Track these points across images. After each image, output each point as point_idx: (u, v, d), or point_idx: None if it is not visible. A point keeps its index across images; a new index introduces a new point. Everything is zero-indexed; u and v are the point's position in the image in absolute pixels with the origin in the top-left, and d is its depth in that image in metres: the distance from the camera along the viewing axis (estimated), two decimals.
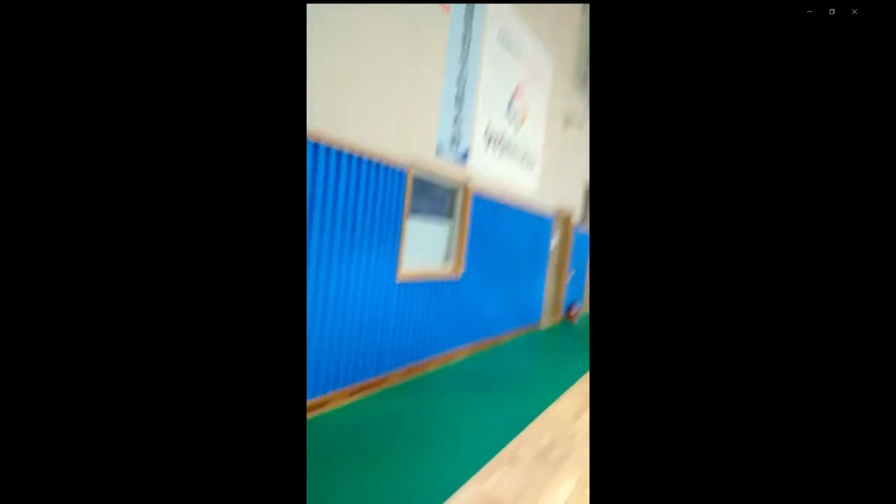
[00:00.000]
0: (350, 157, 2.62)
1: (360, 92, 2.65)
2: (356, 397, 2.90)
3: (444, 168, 3.51)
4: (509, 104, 4.40)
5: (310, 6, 2.31)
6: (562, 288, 6.74)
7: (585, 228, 7.56)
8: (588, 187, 7.31)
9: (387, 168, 2.91)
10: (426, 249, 3.65)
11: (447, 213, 3.85)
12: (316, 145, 2.40)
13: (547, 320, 6.31)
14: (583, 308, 7.95)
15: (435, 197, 3.70)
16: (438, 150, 3.42)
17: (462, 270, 3.93)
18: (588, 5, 6.64)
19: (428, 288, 3.54)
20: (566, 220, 6.49)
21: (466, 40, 3.56)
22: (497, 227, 4.45)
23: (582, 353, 5.06)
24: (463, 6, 3.45)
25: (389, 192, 2.97)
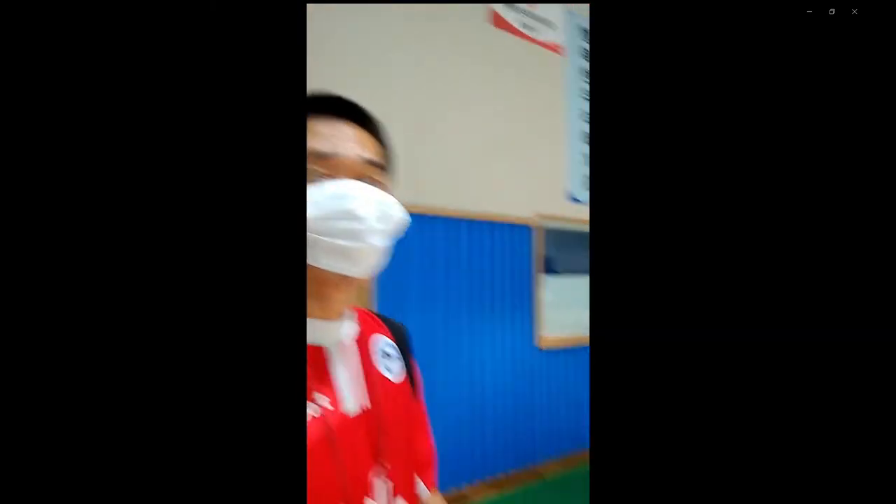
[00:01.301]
0: (469, 223, 2.50)
1: (468, 154, 2.57)
2: (503, 491, 2.50)
3: (580, 215, 3.09)
4: None
5: (408, 91, 2.39)
6: None
7: None
8: None
9: (510, 226, 2.68)
10: (576, 310, 3.17)
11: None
12: (432, 218, 2.36)
13: None
14: None
15: (580, 249, 3.26)
16: (570, 197, 3.04)
17: None
18: None
19: (581, 354, 3.01)
20: None
21: (587, 73, 3.24)
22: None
23: None
24: (577, 41, 3.19)
25: (514, 251, 2.71)
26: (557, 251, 3.10)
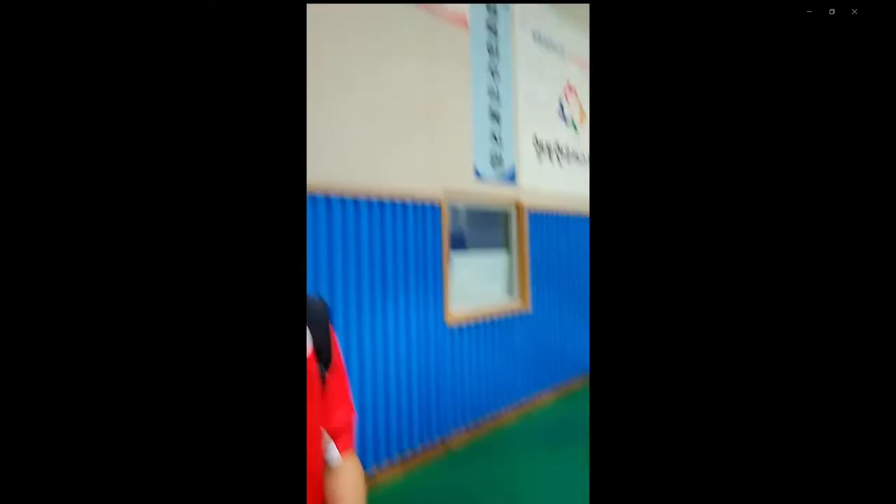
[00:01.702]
0: (368, 203, 2.38)
1: (372, 132, 2.43)
2: (410, 469, 2.55)
3: (487, 193, 3.13)
4: (560, 106, 3.90)
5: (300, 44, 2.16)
6: None
7: None
8: None
9: (414, 206, 2.62)
10: (485, 285, 3.25)
11: (503, 241, 3.43)
12: (327, 199, 2.20)
13: None
14: None
15: (488, 226, 3.31)
16: (478, 175, 3.05)
17: (530, 302, 3.44)
18: None
19: (491, 328, 3.12)
20: None
21: (493, 49, 3.21)
22: (570, 245, 3.89)
23: None
24: (483, 17, 3.13)
25: (422, 230, 2.67)
26: (464, 228, 3.13)
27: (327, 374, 0.66)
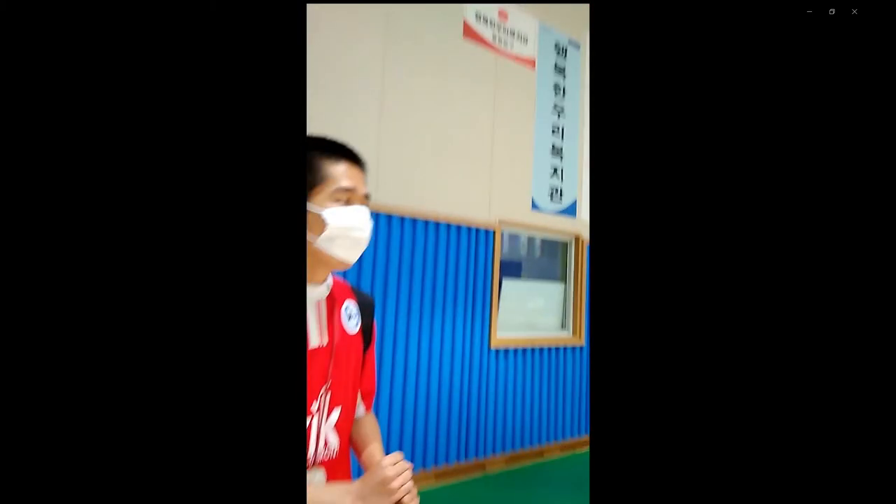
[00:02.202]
0: (425, 223, 2.62)
1: (435, 160, 2.69)
2: (443, 480, 2.62)
3: (543, 224, 3.22)
4: None
5: (379, 85, 2.51)
6: None
7: None
8: None
9: (468, 230, 2.81)
10: (539, 316, 3.29)
11: (560, 274, 3.46)
12: (389, 218, 2.48)
13: None
14: None
15: (545, 257, 3.39)
16: (535, 207, 3.17)
17: (584, 337, 3.40)
18: None
19: (539, 357, 3.13)
20: None
21: (559, 89, 3.37)
22: None
23: None
24: (551, 57, 3.32)
25: (475, 254, 2.83)
26: (517, 256, 3.23)
27: (366, 353, 0.83)
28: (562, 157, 3.37)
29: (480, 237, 2.87)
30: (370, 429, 0.84)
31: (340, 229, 0.68)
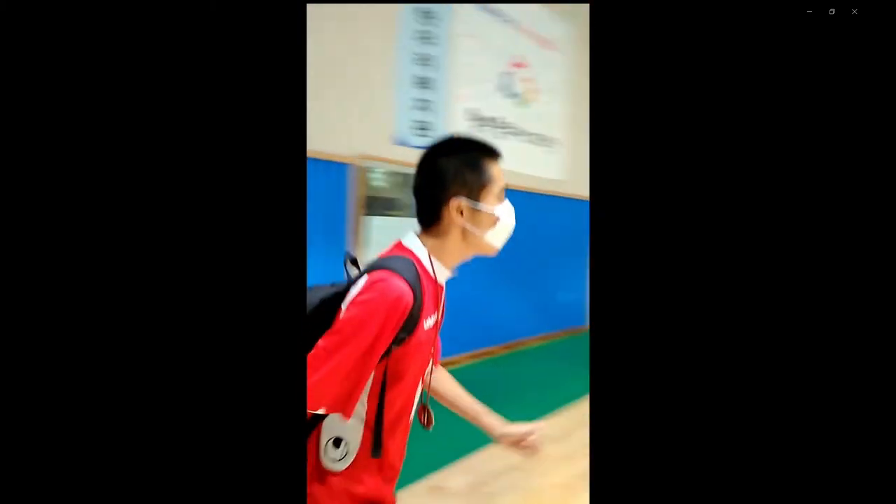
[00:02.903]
0: None
1: None
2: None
3: (411, 159, 3.22)
4: (507, 80, 3.92)
5: None
6: None
7: None
8: None
9: (326, 164, 2.73)
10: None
11: None
12: None
13: None
14: None
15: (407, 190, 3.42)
16: (398, 141, 3.14)
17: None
18: None
19: None
20: None
21: (427, 15, 3.23)
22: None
23: None
24: None
25: (329, 189, 2.79)
26: (382, 192, 3.23)
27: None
28: (430, 90, 3.31)
29: (340, 172, 2.81)
30: (448, 376, 0.99)
31: (505, 224, 0.78)
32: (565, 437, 2.56)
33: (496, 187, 0.76)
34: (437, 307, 0.79)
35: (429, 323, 0.75)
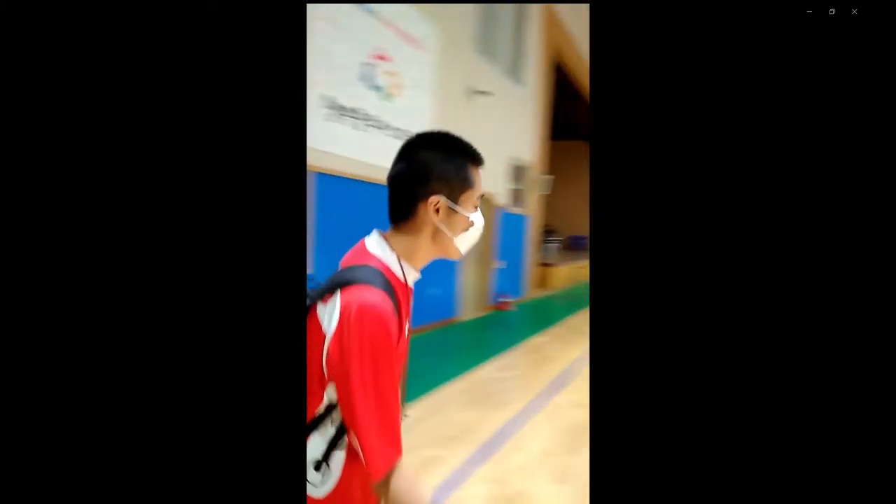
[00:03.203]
0: None
1: None
2: None
3: None
4: (368, 71, 3.87)
5: None
6: (486, 278, 6.21)
7: (516, 211, 7.02)
8: (514, 164, 6.77)
9: None
10: None
11: None
12: None
13: (470, 313, 5.79)
14: (517, 300, 7.43)
15: None
16: None
17: (310, 266, 3.41)
18: None
19: None
20: (486, 203, 5.96)
21: None
22: (366, 213, 3.93)
23: (476, 346, 4.54)
24: None
25: None
26: None
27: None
28: None
29: None
30: None
31: (476, 229, 0.76)
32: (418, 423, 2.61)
33: (475, 194, 0.75)
34: (409, 312, 0.76)
35: (406, 330, 0.74)
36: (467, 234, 0.75)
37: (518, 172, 6.95)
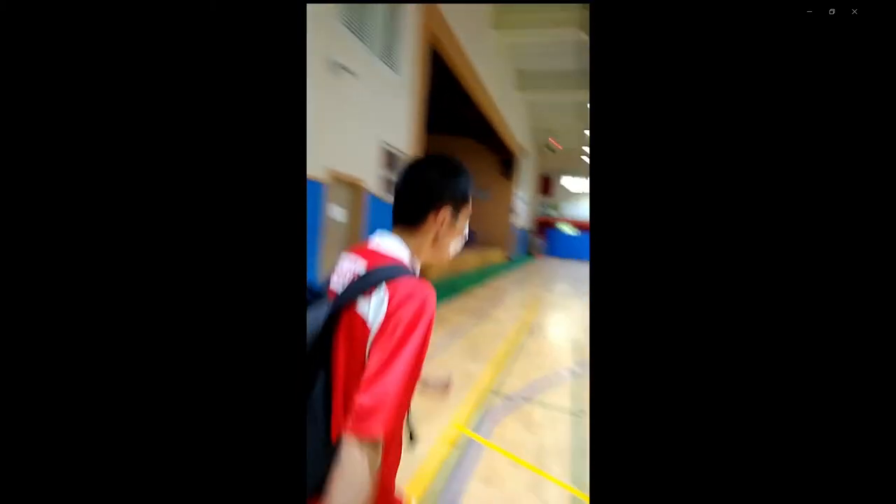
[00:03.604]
0: None
1: None
2: None
3: None
4: None
5: None
6: None
7: (388, 200, 6.86)
8: (385, 148, 6.60)
9: None
10: None
11: None
12: None
13: None
14: None
15: None
16: None
17: None
18: None
19: None
20: (356, 189, 5.71)
21: None
22: None
23: None
24: None
25: None
26: None
27: None
28: None
29: None
30: None
31: (463, 238, 0.91)
32: None
33: (469, 210, 0.89)
34: None
35: None
36: (457, 241, 0.90)
37: (391, 160, 6.80)
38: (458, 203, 0.85)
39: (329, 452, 0.65)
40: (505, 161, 16.67)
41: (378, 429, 0.61)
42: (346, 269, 0.81)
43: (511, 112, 13.65)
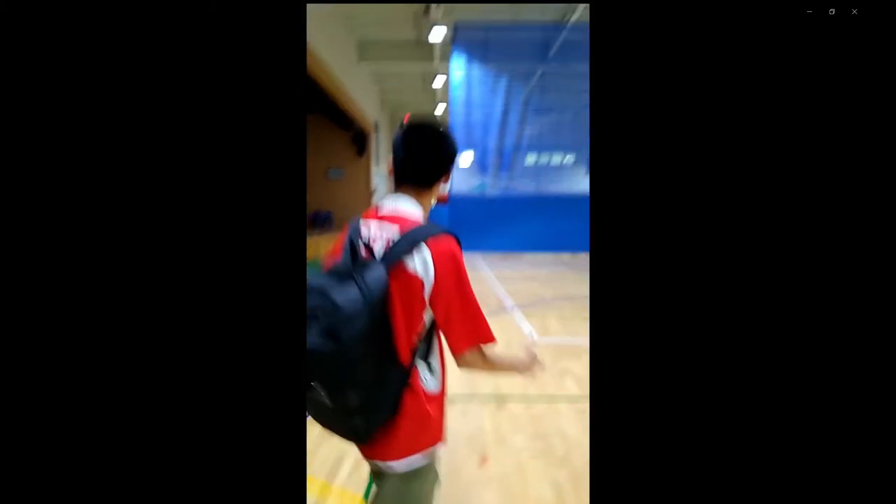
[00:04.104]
0: None
1: None
2: None
3: None
4: None
5: None
6: None
7: None
8: None
9: None
10: None
11: None
12: None
13: None
14: None
15: None
16: None
17: None
18: None
19: None
20: None
21: None
22: None
23: None
24: None
25: None
26: None
27: None
28: None
29: None
30: None
31: (445, 190, 1.15)
32: None
33: (449, 174, 1.12)
34: None
35: None
36: (439, 194, 1.15)
37: None
38: (450, 168, 1.08)
39: (402, 378, 0.93)
40: (357, 137, 16.15)
41: (490, 335, 0.99)
42: (375, 234, 0.99)
43: (356, 85, 13.15)
